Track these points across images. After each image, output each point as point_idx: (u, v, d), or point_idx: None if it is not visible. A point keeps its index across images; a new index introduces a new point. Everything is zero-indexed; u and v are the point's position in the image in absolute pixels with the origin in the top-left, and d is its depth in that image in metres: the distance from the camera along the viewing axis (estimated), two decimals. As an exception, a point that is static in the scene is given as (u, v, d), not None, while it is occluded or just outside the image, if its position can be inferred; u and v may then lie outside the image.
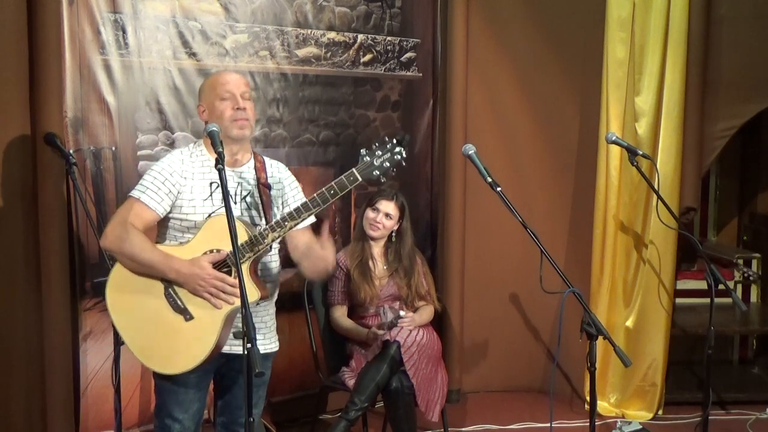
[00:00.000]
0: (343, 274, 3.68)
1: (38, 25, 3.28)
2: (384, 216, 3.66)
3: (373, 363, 3.42)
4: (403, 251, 3.72)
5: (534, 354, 4.71)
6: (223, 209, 2.50)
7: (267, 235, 2.48)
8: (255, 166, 2.68)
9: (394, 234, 3.73)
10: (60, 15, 3.32)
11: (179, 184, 2.55)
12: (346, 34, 4.24)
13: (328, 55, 4.18)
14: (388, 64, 4.43)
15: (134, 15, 3.54)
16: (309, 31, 4.10)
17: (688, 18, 4.15)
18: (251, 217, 2.63)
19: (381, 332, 3.50)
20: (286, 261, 2.80)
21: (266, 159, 2.76)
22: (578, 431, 4.14)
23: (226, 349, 2.57)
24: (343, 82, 4.26)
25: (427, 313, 3.75)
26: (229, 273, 2.48)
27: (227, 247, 2.45)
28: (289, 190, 2.76)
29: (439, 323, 3.99)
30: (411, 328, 3.51)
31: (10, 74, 3.25)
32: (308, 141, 4.16)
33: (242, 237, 2.47)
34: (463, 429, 4.14)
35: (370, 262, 3.69)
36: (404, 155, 2.42)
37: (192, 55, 3.72)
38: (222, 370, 2.69)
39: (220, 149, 2.36)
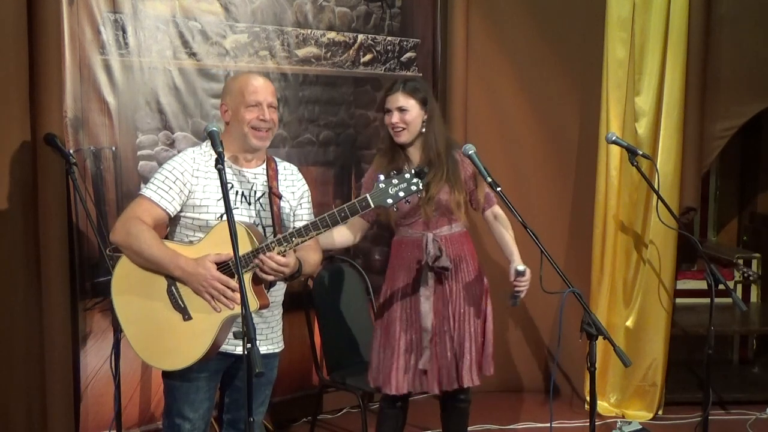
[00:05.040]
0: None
1: (38, 25, 3.27)
2: (398, 112, 3.07)
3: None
4: (430, 140, 3.09)
5: (534, 354, 4.71)
6: (237, 211, 2.53)
7: (273, 248, 2.45)
8: (268, 173, 2.67)
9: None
10: (60, 15, 3.32)
11: (190, 183, 2.54)
12: (346, 34, 4.24)
13: (328, 55, 4.18)
14: (388, 64, 4.43)
15: (134, 15, 3.54)
16: (309, 31, 4.10)
17: (688, 18, 4.15)
18: (262, 220, 2.63)
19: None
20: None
21: (279, 164, 2.74)
22: (578, 431, 4.14)
23: (230, 349, 2.58)
24: (343, 82, 4.26)
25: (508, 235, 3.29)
26: (232, 276, 2.46)
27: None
28: (304, 203, 2.76)
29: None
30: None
31: (10, 74, 3.24)
32: (308, 141, 4.16)
33: (250, 245, 2.46)
34: (463, 429, 4.14)
35: (406, 167, 3.07)
36: (421, 187, 2.41)
37: (192, 55, 3.72)
38: (231, 370, 2.69)
39: (220, 149, 2.35)
